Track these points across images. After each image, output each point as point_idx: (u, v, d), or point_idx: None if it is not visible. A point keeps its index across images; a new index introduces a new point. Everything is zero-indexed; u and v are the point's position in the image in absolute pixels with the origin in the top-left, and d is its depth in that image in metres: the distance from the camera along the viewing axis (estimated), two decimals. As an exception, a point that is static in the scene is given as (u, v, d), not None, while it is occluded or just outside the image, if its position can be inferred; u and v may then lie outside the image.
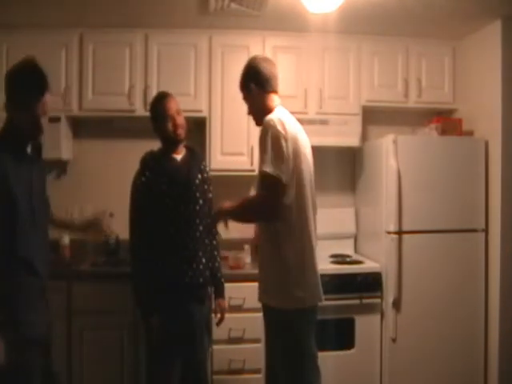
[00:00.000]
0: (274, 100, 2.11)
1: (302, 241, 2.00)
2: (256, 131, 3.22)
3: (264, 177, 1.93)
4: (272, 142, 1.92)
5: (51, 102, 1.92)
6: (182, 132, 2.41)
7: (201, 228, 2.42)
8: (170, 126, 2.38)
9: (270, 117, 1.99)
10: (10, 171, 1.79)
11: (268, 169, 1.90)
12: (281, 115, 2.01)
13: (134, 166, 2.46)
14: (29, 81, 1.85)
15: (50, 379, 1.98)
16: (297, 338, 1.97)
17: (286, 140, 1.93)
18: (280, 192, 1.92)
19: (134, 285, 2.34)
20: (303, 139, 2.06)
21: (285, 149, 1.92)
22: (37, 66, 1.90)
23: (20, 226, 1.81)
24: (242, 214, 2.09)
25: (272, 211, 1.93)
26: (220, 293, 2.55)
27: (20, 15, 2.95)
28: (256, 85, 2.11)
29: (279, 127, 1.93)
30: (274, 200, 1.92)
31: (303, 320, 1.99)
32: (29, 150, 1.96)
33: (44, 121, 1.90)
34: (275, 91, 2.13)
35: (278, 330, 2.01)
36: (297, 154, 1.97)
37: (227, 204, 2.09)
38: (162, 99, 2.43)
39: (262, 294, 2.09)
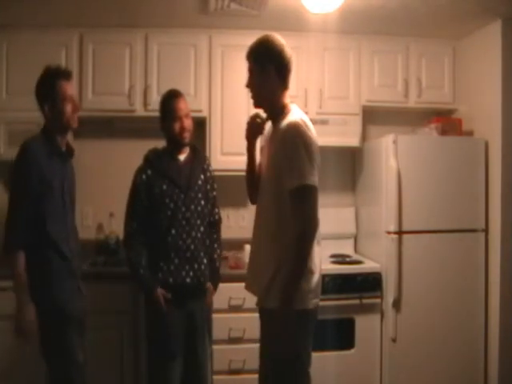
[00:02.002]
0: (287, 97, 1.97)
1: (316, 243, 1.91)
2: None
3: (306, 189, 1.77)
4: (307, 149, 1.79)
5: (72, 90, 2.16)
6: (187, 136, 2.41)
7: (202, 229, 2.42)
8: (177, 127, 2.38)
9: (296, 120, 1.83)
10: (44, 162, 2.03)
11: (308, 181, 1.77)
12: (303, 117, 1.89)
13: (134, 165, 2.46)
14: (44, 72, 2.13)
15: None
16: (294, 342, 1.87)
17: (315, 145, 1.84)
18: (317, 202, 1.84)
19: (132, 268, 2.36)
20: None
21: (316, 155, 1.83)
22: (52, 65, 2.16)
23: (52, 208, 2.05)
24: (301, 266, 1.80)
25: (317, 224, 1.83)
26: (213, 280, 2.49)
27: (20, 15, 2.95)
28: (276, 71, 1.91)
29: (309, 132, 1.83)
30: (317, 212, 1.82)
31: (303, 323, 1.90)
32: (63, 149, 2.19)
33: (73, 116, 2.13)
34: (288, 88, 1.98)
35: (274, 332, 1.88)
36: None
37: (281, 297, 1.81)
38: (173, 98, 2.42)
39: (264, 296, 1.94)
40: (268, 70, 1.90)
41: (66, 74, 2.14)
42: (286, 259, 1.82)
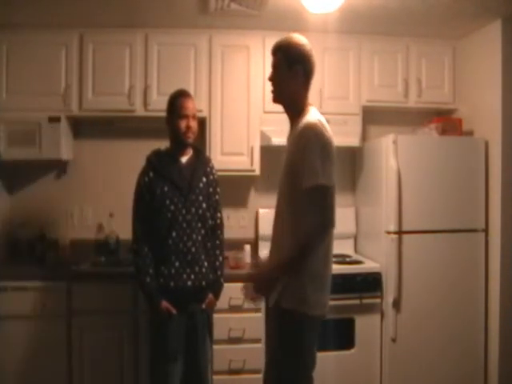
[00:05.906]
0: (308, 98, 2.00)
1: (329, 247, 1.93)
2: (256, 131, 3.23)
3: (321, 189, 1.77)
4: (322, 149, 1.80)
5: None
6: (191, 136, 2.40)
7: (203, 232, 2.41)
8: (182, 125, 2.37)
9: (313, 121, 1.85)
10: None
11: (323, 180, 1.77)
12: (321, 118, 1.90)
13: (133, 165, 2.46)
14: None
15: None
16: (301, 344, 1.88)
17: (331, 145, 1.85)
18: (333, 200, 1.83)
19: (138, 275, 2.33)
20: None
21: (332, 155, 1.83)
22: None
23: None
24: (300, 259, 1.82)
25: (331, 224, 1.81)
26: (214, 289, 2.47)
27: (20, 15, 2.95)
28: (304, 72, 1.96)
29: (326, 133, 1.84)
30: (332, 212, 1.81)
31: (314, 327, 1.91)
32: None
33: None
34: (309, 89, 2.01)
35: (288, 334, 1.90)
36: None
37: (261, 271, 1.91)
38: (182, 96, 2.43)
39: (280, 295, 1.91)
40: (296, 70, 1.94)
41: None
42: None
